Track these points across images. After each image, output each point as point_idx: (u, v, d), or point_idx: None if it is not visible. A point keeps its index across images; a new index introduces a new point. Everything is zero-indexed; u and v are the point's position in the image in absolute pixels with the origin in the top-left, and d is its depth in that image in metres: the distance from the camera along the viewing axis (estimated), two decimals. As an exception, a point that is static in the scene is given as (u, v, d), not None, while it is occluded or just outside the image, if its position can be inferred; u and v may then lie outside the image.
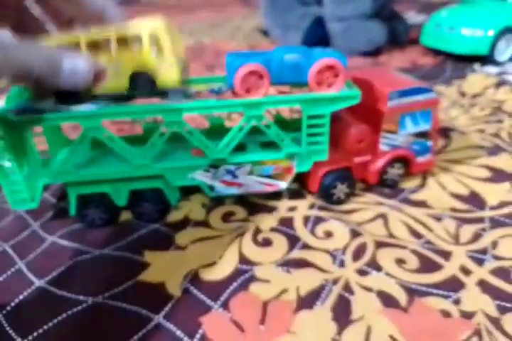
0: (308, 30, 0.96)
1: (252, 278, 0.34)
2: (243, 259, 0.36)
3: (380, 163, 0.43)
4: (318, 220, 0.41)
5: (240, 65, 0.36)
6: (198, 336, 0.30)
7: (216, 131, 0.44)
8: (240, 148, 0.40)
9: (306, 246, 0.38)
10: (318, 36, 0.97)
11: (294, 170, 0.41)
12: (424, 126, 0.43)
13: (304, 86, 0.39)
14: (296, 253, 0.37)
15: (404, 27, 1.01)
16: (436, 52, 0.91)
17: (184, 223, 0.41)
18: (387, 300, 0.32)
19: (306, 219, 0.41)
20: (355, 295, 0.32)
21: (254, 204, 0.44)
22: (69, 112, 0.36)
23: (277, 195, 0.44)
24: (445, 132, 0.57)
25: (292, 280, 0.34)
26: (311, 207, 0.43)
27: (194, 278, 0.35)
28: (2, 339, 0.30)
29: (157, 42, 0.34)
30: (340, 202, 0.43)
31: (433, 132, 0.44)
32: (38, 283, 0.35)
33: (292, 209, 0.43)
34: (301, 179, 0.44)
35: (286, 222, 0.41)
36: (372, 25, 0.92)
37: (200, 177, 0.40)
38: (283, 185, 0.42)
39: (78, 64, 0.32)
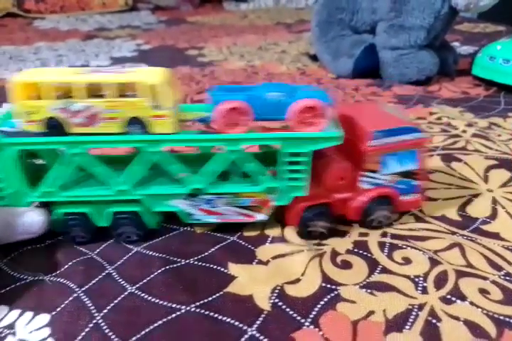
0: (360, 58, 0.99)
1: (338, 298, 0.35)
2: (326, 279, 0.37)
3: (360, 200, 0.42)
4: (394, 247, 0.41)
5: (222, 101, 0.37)
6: (292, 351, 0.31)
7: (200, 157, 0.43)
8: (223, 175, 0.41)
9: (385, 271, 0.38)
10: (369, 63, 0.99)
11: (272, 203, 0.41)
12: (410, 166, 0.42)
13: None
14: (377, 277, 0.37)
15: (454, 57, 1.03)
16: (488, 83, 0.92)
17: (262, 238, 0.43)
18: (476, 330, 0.32)
19: (382, 245, 0.42)
20: (442, 322, 0.33)
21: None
22: (56, 138, 0.37)
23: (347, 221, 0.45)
24: (510, 165, 0.57)
25: (378, 302, 0.35)
26: (384, 235, 0.43)
27: (281, 293, 0.36)
28: None
29: (155, 94, 0.36)
30: (316, 237, 0.42)
31: (421, 172, 0.43)
32: (130, 289, 0.37)
33: (364, 234, 0.43)
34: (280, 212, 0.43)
35: (362, 246, 0.41)
36: (425, 54, 0.94)
37: (179, 204, 0.41)
38: (261, 216, 0.42)
39: (32, 218, 0.40)
